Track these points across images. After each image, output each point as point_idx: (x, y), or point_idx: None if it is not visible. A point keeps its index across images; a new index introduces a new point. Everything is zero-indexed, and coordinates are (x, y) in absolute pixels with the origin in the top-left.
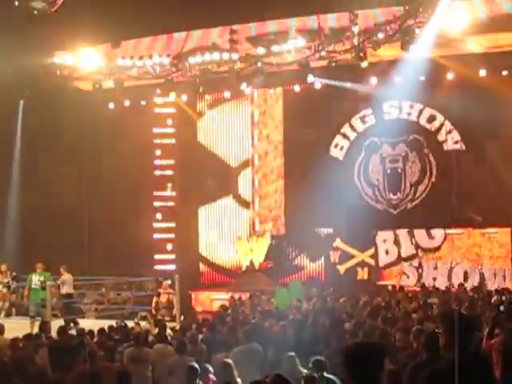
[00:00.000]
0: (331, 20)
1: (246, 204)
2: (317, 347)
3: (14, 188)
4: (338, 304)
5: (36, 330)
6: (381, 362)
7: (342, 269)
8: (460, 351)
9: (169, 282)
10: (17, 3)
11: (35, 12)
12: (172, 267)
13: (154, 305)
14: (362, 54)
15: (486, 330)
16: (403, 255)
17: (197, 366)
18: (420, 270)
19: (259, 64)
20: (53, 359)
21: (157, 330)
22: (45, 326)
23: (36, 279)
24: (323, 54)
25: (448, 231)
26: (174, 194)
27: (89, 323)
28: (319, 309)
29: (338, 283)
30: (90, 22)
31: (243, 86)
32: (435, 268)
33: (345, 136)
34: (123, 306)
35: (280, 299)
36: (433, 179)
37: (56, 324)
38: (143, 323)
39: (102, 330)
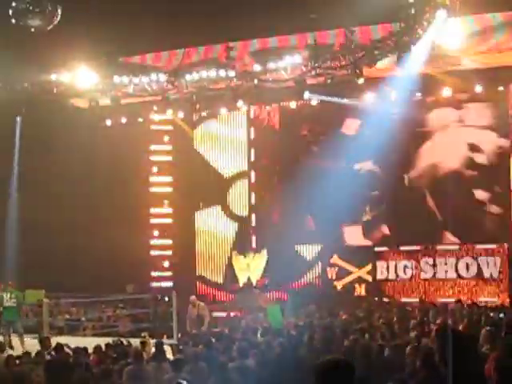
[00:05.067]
0: (328, 37)
1: (241, 219)
2: (313, 364)
3: (13, 204)
4: (335, 320)
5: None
6: (351, 378)
7: (339, 285)
8: (455, 370)
9: (193, 296)
10: (14, 21)
11: (32, 30)
12: (169, 284)
13: (188, 321)
14: (358, 71)
15: (484, 347)
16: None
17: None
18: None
19: (256, 81)
20: (49, 377)
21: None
22: (45, 342)
23: (7, 297)
24: (319, 70)
25: None
26: (170, 211)
27: (86, 341)
28: (316, 325)
29: (335, 299)
30: (87, 39)
31: (240, 103)
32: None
33: None
34: (120, 323)
35: (273, 316)
36: None
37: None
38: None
39: (98, 348)
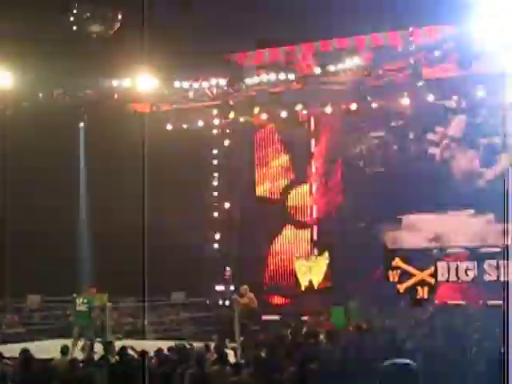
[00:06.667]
0: (387, 38)
1: (302, 224)
2: (377, 367)
3: (83, 209)
4: (397, 323)
5: (77, 351)
6: (416, 382)
7: (401, 288)
8: None
9: (245, 286)
10: (75, 28)
11: (93, 36)
12: (231, 287)
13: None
14: (418, 72)
15: None
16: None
17: None
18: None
19: (315, 84)
20: (112, 380)
21: (215, 352)
22: (108, 346)
23: (80, 301)
24: (379, 72)
25: None
26: (232, 214)
27: (149, 344)
28: (378, 328)
29: (397, 302)
30: (148, 44)
31: (299, 106)
32: None
33: None
34: (183, 326)
35: (337, 318)
36: None
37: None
38: (199, 344)
39: (159, 351)
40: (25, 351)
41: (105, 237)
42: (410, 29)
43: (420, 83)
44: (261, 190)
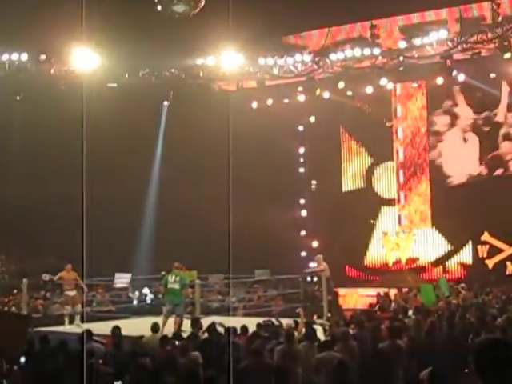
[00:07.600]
0: (473, 10)
1: (387, 200)
2: (466, 343)
3: (154, 189)
4: (488, 299)
5: (167, 328)
6: (509, 358)
7: (490, 263)
8: None
9: (319, 255)
10: (159, 8)
11: (177, 16)
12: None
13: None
14: (505, 44)
15: None
16: None
17: (345, 361)
18: None
19: (401, 58)
20: (204, 356)
21: (303, 328)
22: (196, 323)
23: (171, 279)
24: (465, 45)
25: None
26: (317, 190)
27: (237, 321)
28: (468, 304)
29: (486, 278)
30: (232, 22)
31: (384, 81)
32: None
33: None
34: (274, 303)
35: (426, 295)
36: None
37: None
38: (287, 320)
39: (248, 328)
40: (116, 329)
41: (189, 215)
42: None
43: (507, 55)
44: (346, 165)
